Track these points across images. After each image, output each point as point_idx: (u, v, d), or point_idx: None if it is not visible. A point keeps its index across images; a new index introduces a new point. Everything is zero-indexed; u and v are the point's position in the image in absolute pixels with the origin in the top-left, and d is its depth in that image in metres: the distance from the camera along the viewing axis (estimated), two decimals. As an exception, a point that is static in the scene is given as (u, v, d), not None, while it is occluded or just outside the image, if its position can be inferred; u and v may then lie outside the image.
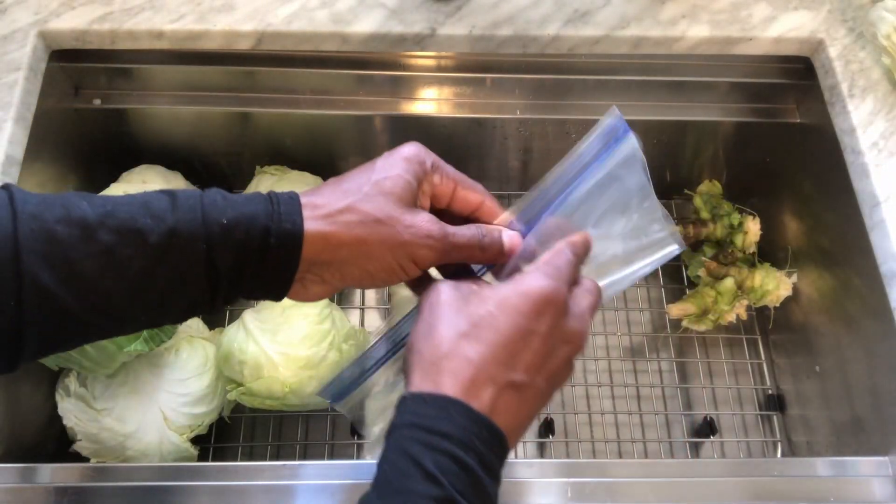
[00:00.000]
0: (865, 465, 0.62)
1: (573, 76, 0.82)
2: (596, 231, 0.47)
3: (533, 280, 0.40)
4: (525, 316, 0.39)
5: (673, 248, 0.49)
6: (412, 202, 0.43)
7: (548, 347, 0.39)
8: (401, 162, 0.43)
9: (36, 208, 0.37)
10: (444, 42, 0.77)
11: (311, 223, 0.40)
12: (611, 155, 0.48)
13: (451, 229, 0.43)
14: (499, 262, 0.46)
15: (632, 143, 0.48)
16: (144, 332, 0.71)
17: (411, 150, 0.44)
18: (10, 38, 0.74)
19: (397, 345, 0.48)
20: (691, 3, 0.79)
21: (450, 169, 0.46)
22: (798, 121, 0.84)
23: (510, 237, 0.45)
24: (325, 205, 0.41)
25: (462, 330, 0.39)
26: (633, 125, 0.47)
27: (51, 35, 0.75)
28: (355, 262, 0.42)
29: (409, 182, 0.43)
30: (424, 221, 0.42)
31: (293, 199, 0.41)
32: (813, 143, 0.80)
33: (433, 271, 0.47)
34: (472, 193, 0.46)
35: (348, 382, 0.49)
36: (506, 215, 0.47)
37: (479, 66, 0.82)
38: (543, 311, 0.39)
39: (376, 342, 0.48)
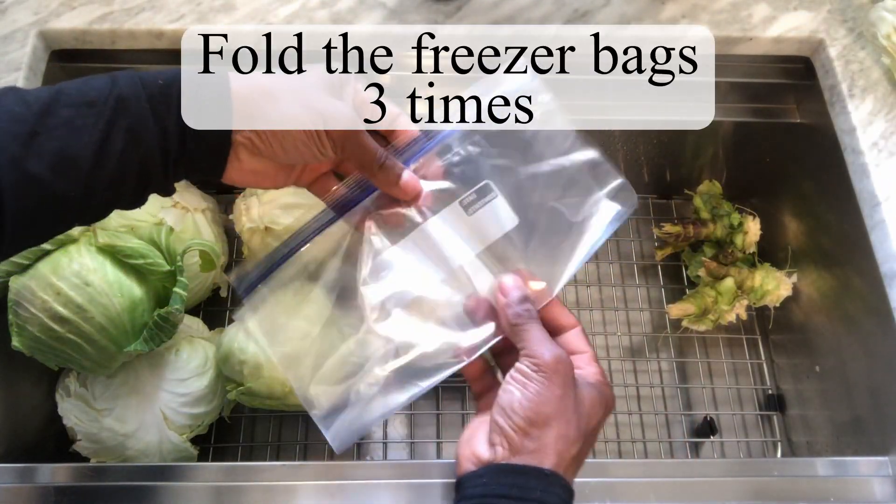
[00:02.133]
0: (865, 465, 0.62)
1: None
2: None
3: (606, 387, 0.49)
4: (603, 414, 0.48)
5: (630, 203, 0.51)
6: (332, 94, 0.47)
7: (582, 412, 0.47)
8: (321, 66, 0.49)
9: None
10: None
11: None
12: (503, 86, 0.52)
13: (363, 128, 0.47)
14: (387, 191, 0.49)
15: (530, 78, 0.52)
16: (144, 332, 0.71)
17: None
18: (10, 38, 0.74)
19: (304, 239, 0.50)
20: (691, 3, 0.79)
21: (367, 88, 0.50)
22: (798, 121, 0.84)
23: (410, 177, 0.49)
24: (251, 74, 0.46)
25: (584, 430, 0.46)
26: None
27: (51, 35, 0.75)
28: (278, 119, 0.44)
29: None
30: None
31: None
32: (813, 143, 0.80)
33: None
34: (393, 108, 0.50)
35: (259, 271, 0.50)
36: (415, 131, 0.51)
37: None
38: (567, 383, 0.46)
39: (289, 238, 0.50)
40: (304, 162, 0.49)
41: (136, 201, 0.46)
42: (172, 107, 0.43)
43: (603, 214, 0.51)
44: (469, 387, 0.53)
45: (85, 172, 0.41)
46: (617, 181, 0.51)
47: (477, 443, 0.46)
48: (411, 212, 0.50)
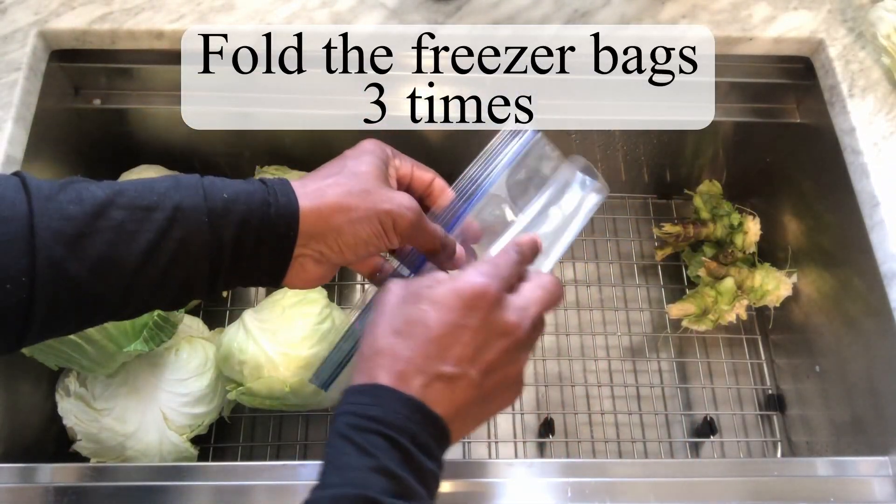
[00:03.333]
0: (865, 465, 0.62)
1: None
2: (524, 215, 0.54)
3: (465, 277, 0.43)
4: (454, 311, 0.41)
5: (596, 200, 0.55)
6: (385, 181, 0.48)
7: (479, 340, 0.41)
8: (368, 150, 0.49)
9: (49, 190, 0.39)
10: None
11: (304, 198, 0.44)
12: (514, 147, 0.54)
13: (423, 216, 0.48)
14: (443, 267, 0.50)
15: (532, 135, 0.55)
16: (144, 332, 0.71)
17: (372, 142, 0.50)
18: (10, 38, 0.74)
19: None
20: (691, 3, 0.79)
21: (404, 156, 0.52)
22: (798, 121, 0.84)
23: (460, 249, 0.51)
24: (312, 184, 0.46)
25: (396, 327, 0.42)
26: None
27: (51, 35, 0.75)
28: (348, 228, 0.45)
29: (379, 165, 0.48)
30: (401, 194, 0.47)
31: (284, 181, 0.45)
32: (813, 143, 0.80)
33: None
34: (426, 173, 0.52)
35: (336, 364, 0.51)
36: (450, 192, 0.53)
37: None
38: (473, 306, 0.41)
39: (355, 320, 0.51)
40: (368, 255, 0.49)
41: (176, 306, 0.45)
42: (233, 224, 0.42)
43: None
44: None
45: (127, 277, 0.40)
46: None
47: None
48: None
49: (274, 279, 0.46)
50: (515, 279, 0.45)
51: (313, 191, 0.45)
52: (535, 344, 0.45)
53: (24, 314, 0.39)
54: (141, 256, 0.40)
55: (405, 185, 0.52)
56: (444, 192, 0.53)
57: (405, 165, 0.51)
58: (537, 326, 0.44)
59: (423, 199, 0.53)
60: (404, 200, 0.47)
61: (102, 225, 0.39)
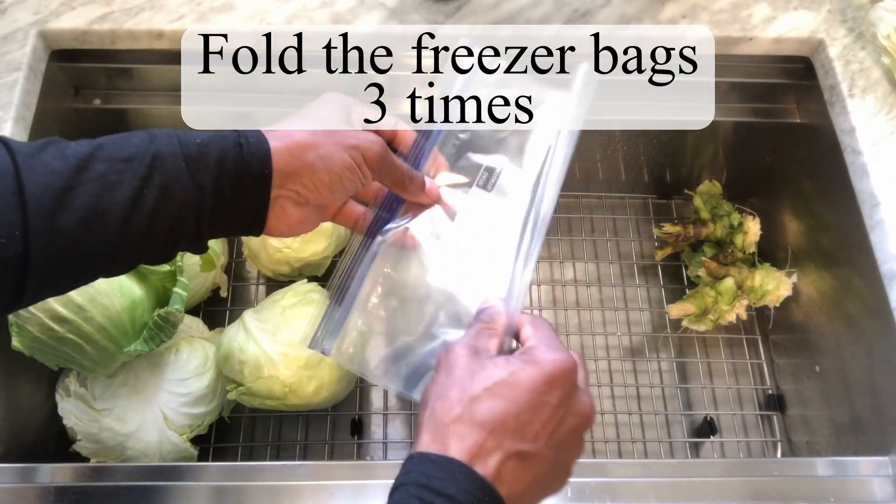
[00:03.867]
0: (865, 465, 0.62)
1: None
2: None
3: (548, 354, 0.42)
4: (538, 388, 0.40)
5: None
6: (349, 124, 0.49)
7: (557, 419, 0.40)
8: (329, 98, 0.51)
9: (31, 149, 0.40)
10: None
11: (273, 139, 0.46)
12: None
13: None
14: (416, 200, 0.53)
15: None
16: (144, 332, 0.71)
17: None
18: (10, 38, 0.74)
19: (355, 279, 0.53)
20: (691, 3, 0.79)
21: (367, 104, 0.53)
22: (798, 121, 0.84)
23: (431, 183, 0.53)
24: (279, 128, 0.47)
25: (475, 394, 0.40)
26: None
27: (51, 35, 0.75)
28: (320, 163, 0.46)
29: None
30: (365, 132, 0.49)
31: (253, 129, 0.46)
32: (813, 143, 0.80)
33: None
34: (388, 117, 0.53)
35: (332, 325, 0.52)
36: (412, 132, 0.55)
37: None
38: (556, 385, 0.41)
39: (343, 279, 0.53)
40: (347, 196, 0.50)
41: (164, 257, 0.45)
42: (210, 166, 0.43)
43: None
44: None
45: (114, 228, 0.41)
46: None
47: None
48: (440, 213, 0.54)
49: (257, 224, 0.47)
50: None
51: (282, 133, 0.46)
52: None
53: (20, 271, 0.39)
54: (125, 205, 0.41)
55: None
56: (408, 133, 0.55)
57: (367, 112, 0.52)
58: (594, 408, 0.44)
59: (391, 143, 0.54)
60: (369, 135, 0.49)
61: (87, 177, 0.40)
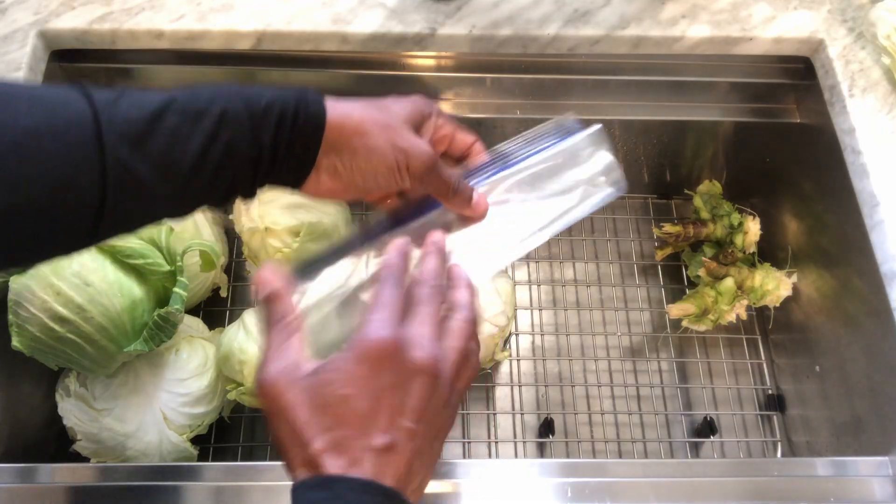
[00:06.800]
0: (865, 465, 0.62)
1: (573, 76, 0.82)
2: (537, 192, 0.56)
3: (361, 341, 0.39)
4: (365, 382, 0.39)
5: (608, 192, 0.55)
6: (414, 128, 0.50)
7: (399, 396, 0.39)
8: (410, 98, 0.52)
9: (110, 95, 0.42)
10: (444, 42, 0.77)
11: (332, 110, 0.47)
12: (565, 140, 0.57)
13: (440, 159, 0.51)
14: (460, 211, 0.53)
15: (589, 129, 0.57)
16: (144, 332, 0.71)
17: (421, 97, 0.53)
18: (10, 38, 0.74)
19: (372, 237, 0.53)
20: (691, 3, 0.79)
21: (450, 119, 0.54)
22: (798, 121, 0.84)
23: (480, 196, 0.53)
24: (344, 103, 0.48)
25: (319, 420, 0.39)
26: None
27: (51, 35, 0.75)
28: (362, 151, 0.48)
29: (414, 113, 0.51)
30: (422, 140, 0.50)
31: (318, 93, 0.48)
32: (813, 143, 0.80)
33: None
34: (467, 136, 0.55)
35: (316, 259, 0.52)
36: (485, 155, 0.56)
37: (479, 66, 0.82)
38: (379, 367, 0.39)
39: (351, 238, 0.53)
40: (380, 190, 0.51)
41: (222, 204, 0.48)
42: (270, 126, 0.45)
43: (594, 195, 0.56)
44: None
45: (183, 179, 0.43)
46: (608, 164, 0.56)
47: None
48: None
49: (297, 182, 0.49)
50: (405, 306, 0.42)
51: (343, 108, 0.48)
52: (468, 367, 0.42)
53: (96, 214, 0.41)
54: (194, 159, 0.43)
55: (446, 145, 0.55)
56: (481, 154, 0.56)
57: (447, 127, 0.54)
58: (461, 350, 0.42)
59: (462, 160, 0.56)
60: (422, 144, 0.49)
61: (160, 128, 0.42)
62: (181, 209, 0.46)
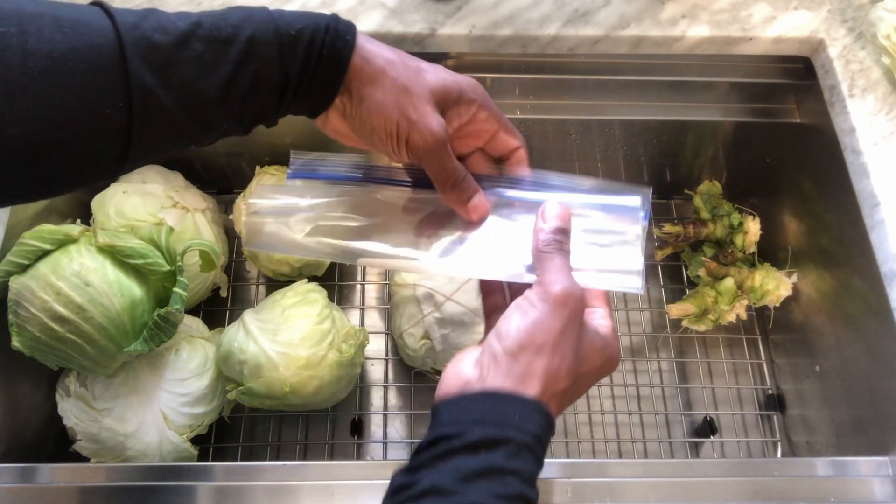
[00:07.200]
0: (865, 465, 0.62)
1: (573, 76, 0.82)
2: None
3: (564, 289, 0.44)
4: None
5: (634, 288, 0.49)
6: (437, 105, 0.47)
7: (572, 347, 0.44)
8: (454, 74, 0.48)
9: (133, 18, 0.41)
10: (444, 42, 0.77)
11: (361, 48, 0.46)
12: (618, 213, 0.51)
13: (450, 146, 0.48)
14: (454, 208, 0.50)
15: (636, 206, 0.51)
16: (144, 332, 0.71)
17: (471, 79, 0.49)
18: (10, 38, 0.73)
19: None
20: (691, 3, 0.79)
21: (499, 111, 0.50)
22: (798, 121, 0.84)
23: (480, 201, 0.50)
24: (376, 47, 0.46)
25: (562, 373, 0.43)
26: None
27: (51, 35, 0.75)
28: (368, 103, 0.46)
29: (446, 89, 0.47)
30: (436, 119, 0.46)
31: (350, 25, 0.46)
32: (813, 143, 0.80)
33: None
34: (512, 139, 0.51)
35: (317, 166, 0.52)
36: (526, 169, 0.52)
37: (479, 66, 0.82)
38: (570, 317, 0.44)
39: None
40: (378, 150, 0.50)
41: (246, 132, 0.47)
42: (298, 59, 0.44)
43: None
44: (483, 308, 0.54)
45: (209, 109, 0.43)
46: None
47: (464, 364, 0.45)
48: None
49: (313, 114, 0.48)
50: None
51: (370, 50, 0.46)
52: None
53: (124, 140, 0.41)
54: (220, 89, 0.42)
55: (484, 141, 0.51)
56: (521, 165, 0.52)
57: (490, 122, 0.50)
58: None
59: (500, 163, 0.53)
60: (433, 123, 0.46)
61: (186, 55, 0.41)
62: (207, 136, 0.46)
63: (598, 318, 0.48)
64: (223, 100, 0.43)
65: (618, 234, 0.50)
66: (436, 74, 0.47)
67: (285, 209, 0.52)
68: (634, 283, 0.48)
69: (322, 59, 0.45)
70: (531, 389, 0.41)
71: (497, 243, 0.50)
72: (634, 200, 0.51)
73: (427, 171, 0.49)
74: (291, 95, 0.45)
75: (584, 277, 0.47)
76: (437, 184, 0.49)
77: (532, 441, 0.40)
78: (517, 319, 0.43)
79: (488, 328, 0.50)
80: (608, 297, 0.50)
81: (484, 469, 0.38)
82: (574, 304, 0.43)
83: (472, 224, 0.51)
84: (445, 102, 0.48)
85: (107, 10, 0.41)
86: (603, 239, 0.50)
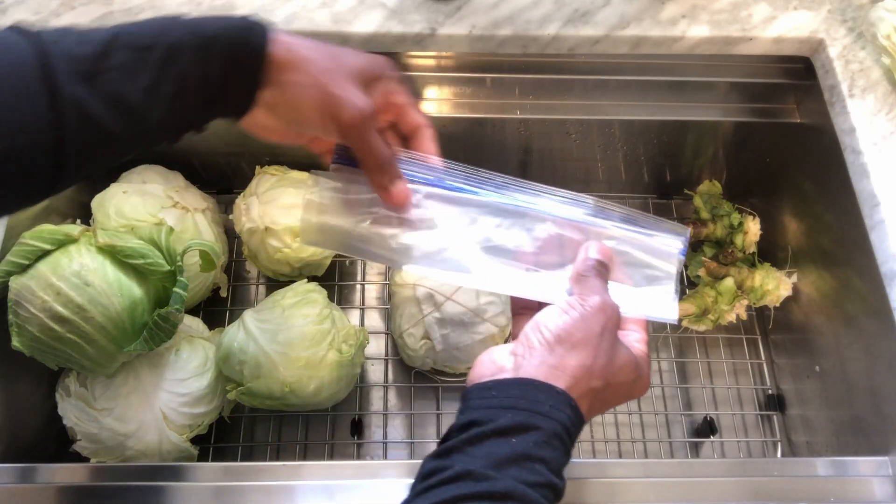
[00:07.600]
0: (865, 465, 0.62)
1: (573, 76, 0.82)
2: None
3: (602, 299, 0.47)
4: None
5: (670, 318, 0.54)
6: (361, 84, 0.48)
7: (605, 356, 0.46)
8: (370, 55, 0.50)
9: (53, 36, 0.42)
10: (444, 42, 0.77)
11: (278, 42, 0.47)
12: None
13: (374, 127, 0.49)
14: (377, 190, 0.51)
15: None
16: (144, 332, 0.71)
17: (383, 58, 0.51)
18: (10, 38, 0.73)
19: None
20: (691, 3, 0.79)
21: (406, 91, 0.52)
22: (798, 121, 0.84)
23: (403, 188, 0.51)
24: (293, 39, 0.48)
25: (595, 372, 0.46)
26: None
27: (51, 35, 0.75)
28: (291, 88, 0.47)
29: (367, 69, 0.49)
30: (362, 95, 0.48)
31: (265, 25, 0.47)
32: (813, 143, 0.80)
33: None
34: (418, 116, 0.53)
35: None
36: (436, 159, 0.53)
37: (479, 66, 0.82)
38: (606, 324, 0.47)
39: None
40: (311, 133, 0.51)
41: (175, 140, 0.48)
42: (216, 59, 0.45)
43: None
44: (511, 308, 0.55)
45: (136, 114, 0.43)
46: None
47: (498, 352, 0.47)
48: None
49: (239, 114, 0.49)
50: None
51: (288, 43, 0.47)
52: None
53: (56, 156, 0.41)
54: (146, 94, 0.43)
55: (393, 115, 0.53)
56: (427, 145, 0.53)
57: (400, 97, 0.52)
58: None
59: (406, 140, 0.54)
60: (357, 98, 0.47)
61: (110, 64, 0.42)
62: (138, 145, 0.46)
63: (634, 340, 0.50)
64: (150, 105, 0.43)
65: (655, 268, 0.54)
66: (355, 56, 0.49)
67: (346, 201, 0.53)
68: (670, 314, 0.53)
69: (240, 55, 0.46)
70: (562, 382, 0.43)
71: (545, 263, 0.53)
72: (675, 245, 0.54)
73: (355, 150, 0.50)
74: (215, 95, 0.46)
75: (621, 303, 0.50)
76: (363, 163, 0.50)
77: (561, 430, 0.42)
78: (556, 316, 0.46)
79: (515, 325, 0.52)
80: (647, 326, 0.52)
81: (515, 455, 0.39)
82: (611, 313, 0.46)
83: (529, 242, 0.53)
84: (367, 80, 0.49)
85: (21, 30, 0.42)
86: (640, 273, 0.54)
